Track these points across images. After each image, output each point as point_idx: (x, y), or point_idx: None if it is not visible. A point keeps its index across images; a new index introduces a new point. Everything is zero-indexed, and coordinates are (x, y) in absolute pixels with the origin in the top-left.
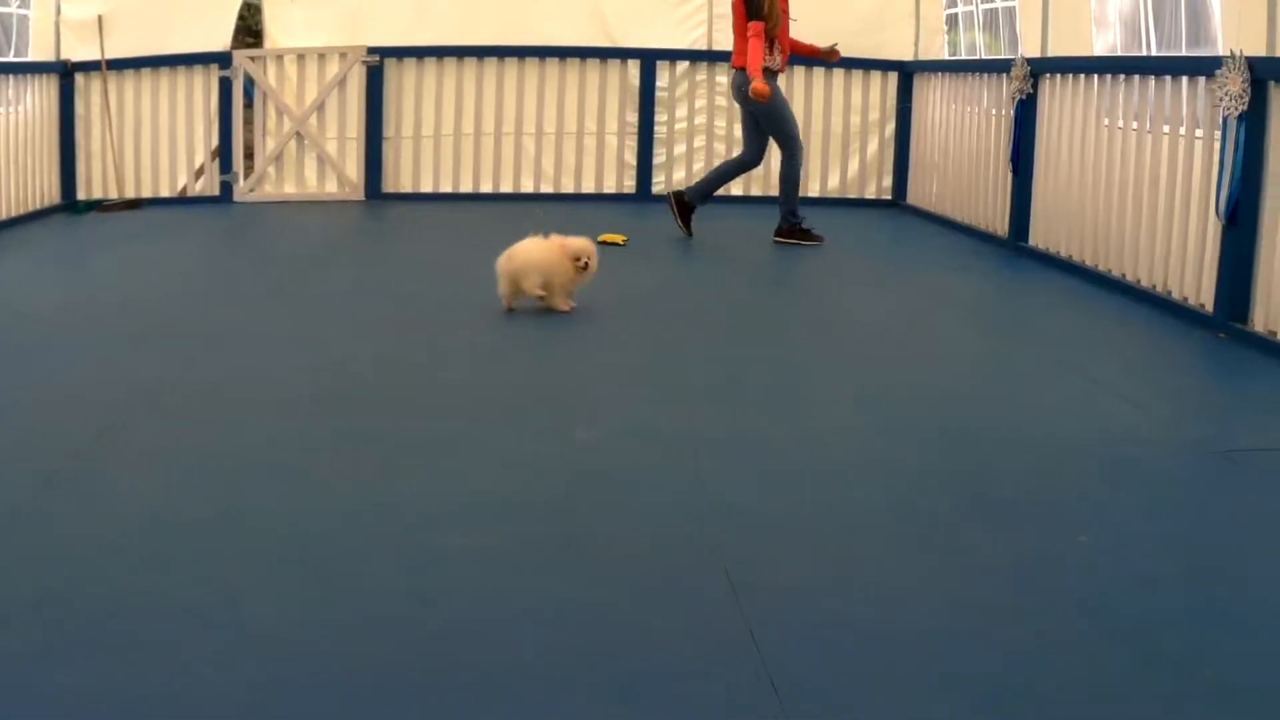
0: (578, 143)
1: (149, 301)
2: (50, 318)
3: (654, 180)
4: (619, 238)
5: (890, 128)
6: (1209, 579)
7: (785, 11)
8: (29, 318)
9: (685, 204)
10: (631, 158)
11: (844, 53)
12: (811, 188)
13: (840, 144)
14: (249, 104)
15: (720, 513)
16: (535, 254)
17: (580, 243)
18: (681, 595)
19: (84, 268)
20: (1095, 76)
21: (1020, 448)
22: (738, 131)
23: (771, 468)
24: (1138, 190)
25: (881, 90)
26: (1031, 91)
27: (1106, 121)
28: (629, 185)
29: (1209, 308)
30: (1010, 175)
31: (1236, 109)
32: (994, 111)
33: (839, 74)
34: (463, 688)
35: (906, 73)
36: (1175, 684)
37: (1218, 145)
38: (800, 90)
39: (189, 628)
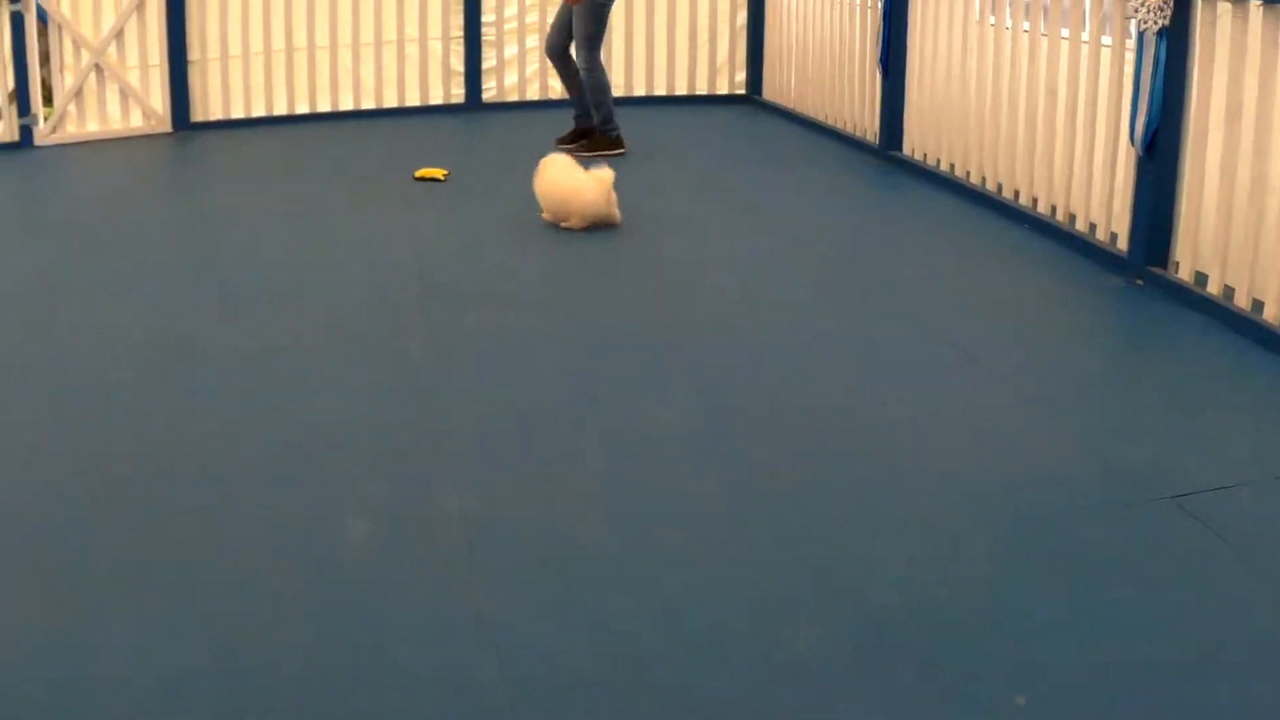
0: (399, 51)
1: None
2: None
3: (485, 86)
4: (439, 172)
5: (742, 17)
6: None
7: None
8: None
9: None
10: (459, 64)
11: None
12: (658, 83)
13: (687, 34)
14: (44, 29)
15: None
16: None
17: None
18: None
19: None
20: None
21: (858, 503)
22: None
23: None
24: (1031, 101)
25: None
26: None
27: (993, 20)
28: (458, 94)
29: (1122, 244)
30: (880, 76)
31: (1156, 23)
32: (859, 1)
33: None
34: None
35: None
36: None
37: (1130, 58)
38: None
39: None
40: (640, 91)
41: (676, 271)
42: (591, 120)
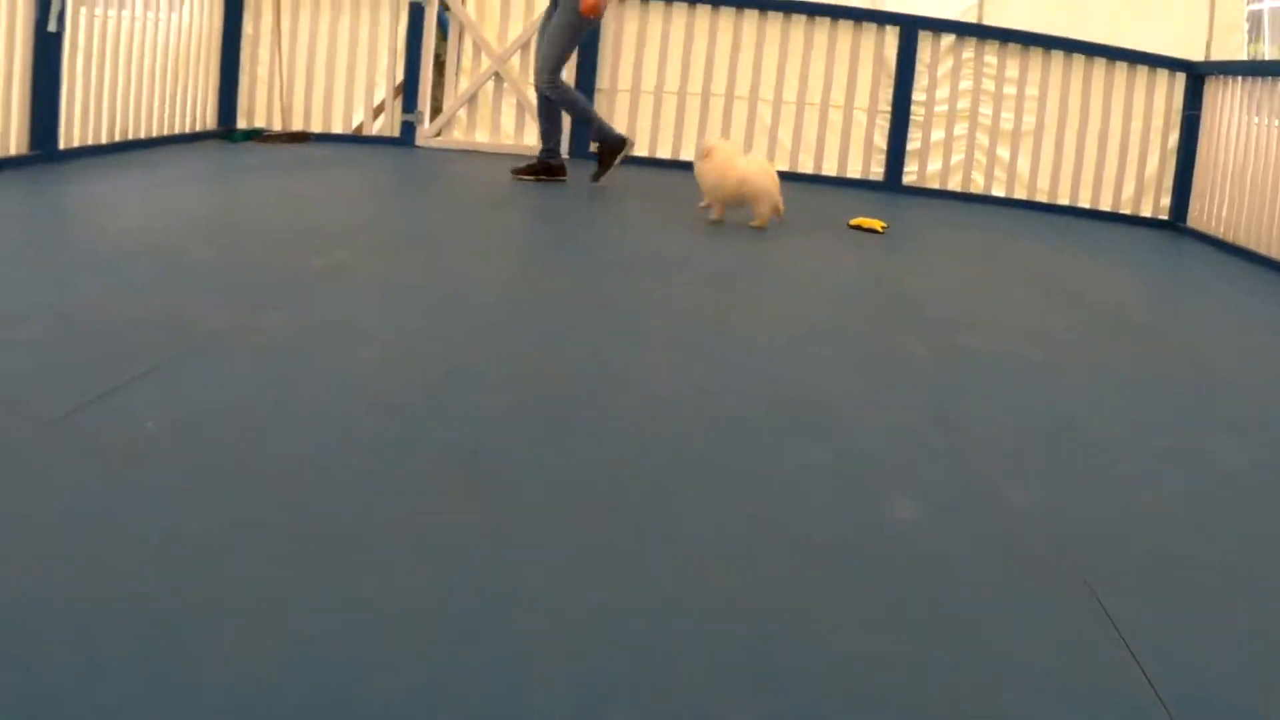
0: (821, 116)
1: (251, 234)
2: (128, 242)
3: (906, 169)
4: (876, 223)
5: (1173, 138)
6: None
7: None
8: (115, 236)
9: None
10: (882, 140)
11: (1126, 45)
12: (1082, 197)
13: (1117, 152)
14: (443, 37)
15: None
16: None
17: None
18: None
19: (210, 192)
20: None
21: None
22: (1005, 123)
23: None
24: None
25: (1167, 93)
26: None
27: None
28: (877, 171)
29: None
30: None
31: None
32: None
33: (1120, 70)
34: None
35: (1196, 75)
36: None
37: None
38: (1077, 85)
39: None
40: (1064, 200)
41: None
42: (610, 137)
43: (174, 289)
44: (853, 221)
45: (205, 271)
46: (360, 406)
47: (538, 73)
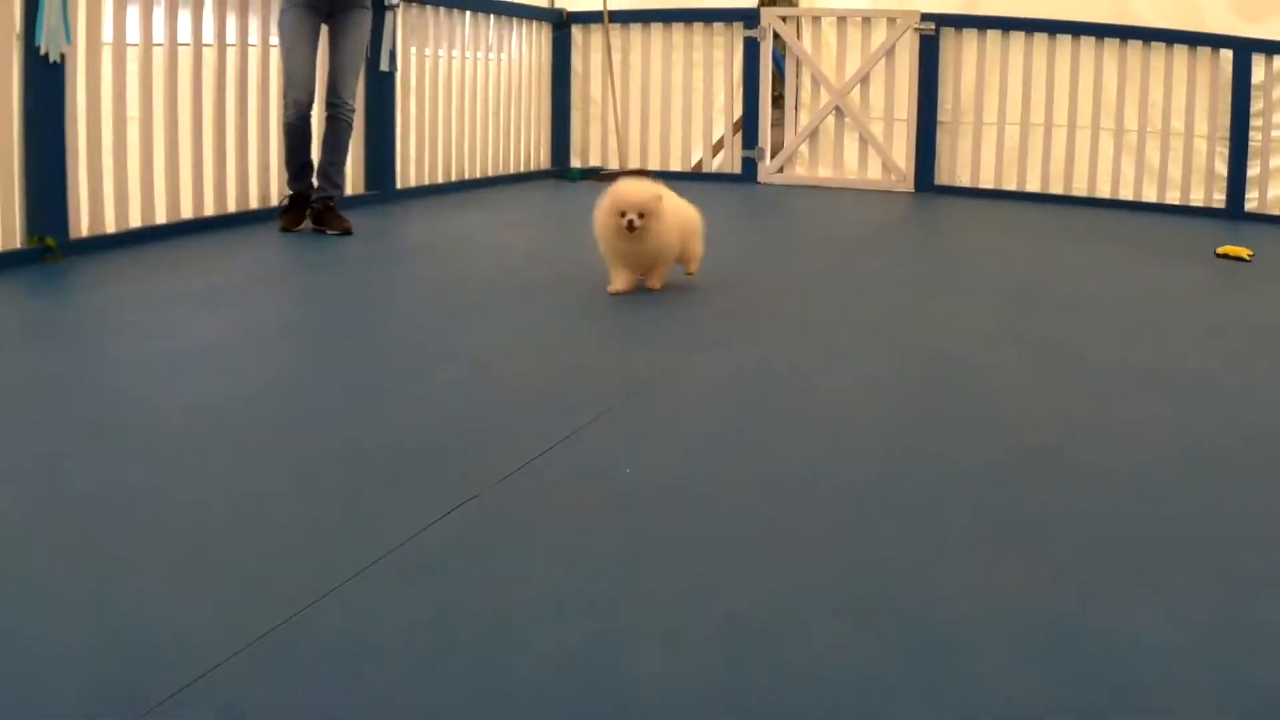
0: (1162, 144)
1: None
2: (499, 283)
3: (1247, 196)
4: (1244, 251)
5: None
6: None
7: None
8: (484, 278)
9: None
10: (1222, 167)
11: None
12: None
13: None
14: (778, 74)
15: None
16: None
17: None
18: None
19: (566, 230)
20: None
21: None
22: None
23: None
24: None
25: None
26: None
27: None
28: (1218, 199)
29: None
30: None
31: None
32: None
33: None
34: None
35: None
36: None
37: None
38: None
39: None
40: None
41: None
42: (331, 190)
43: (580, 331)
44: (1220, 250)
45: (602, 313)
46: (830, 450)
47: (345, 96)
